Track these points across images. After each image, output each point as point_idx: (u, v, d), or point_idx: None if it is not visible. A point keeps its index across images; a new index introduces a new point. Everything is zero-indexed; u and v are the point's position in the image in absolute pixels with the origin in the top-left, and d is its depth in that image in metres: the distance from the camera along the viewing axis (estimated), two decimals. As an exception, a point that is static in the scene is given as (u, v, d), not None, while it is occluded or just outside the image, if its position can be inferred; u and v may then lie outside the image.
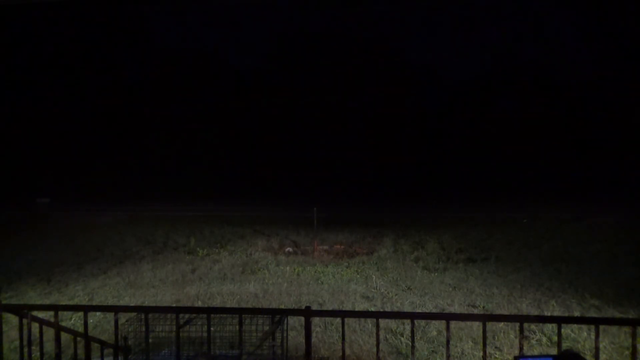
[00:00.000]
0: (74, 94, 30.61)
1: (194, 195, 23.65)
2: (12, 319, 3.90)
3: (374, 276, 7.44)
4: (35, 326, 2.83)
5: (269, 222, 13.64)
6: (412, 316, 2.68)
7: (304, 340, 2.66)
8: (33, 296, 6.67)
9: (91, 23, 31.51)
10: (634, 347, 2.25)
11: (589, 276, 7.27)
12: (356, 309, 5.80)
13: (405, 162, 29.58)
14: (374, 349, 2.85)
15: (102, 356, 3.35)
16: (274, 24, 51.79)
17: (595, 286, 6.67)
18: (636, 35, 29.58)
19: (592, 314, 5.57)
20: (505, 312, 5.65)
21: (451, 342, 4.05)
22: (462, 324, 4.97)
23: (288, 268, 8.08)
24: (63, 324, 4.34)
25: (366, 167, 29.09)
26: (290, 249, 9.90)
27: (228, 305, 5.98)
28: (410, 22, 45.26)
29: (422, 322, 5.06)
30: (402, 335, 4.84)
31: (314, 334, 4.80)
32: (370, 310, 5.79)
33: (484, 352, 2.43)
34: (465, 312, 5.74)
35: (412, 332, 2.59)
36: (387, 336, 4.81)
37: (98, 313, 5.39)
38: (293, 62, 32.14)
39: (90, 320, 4.38)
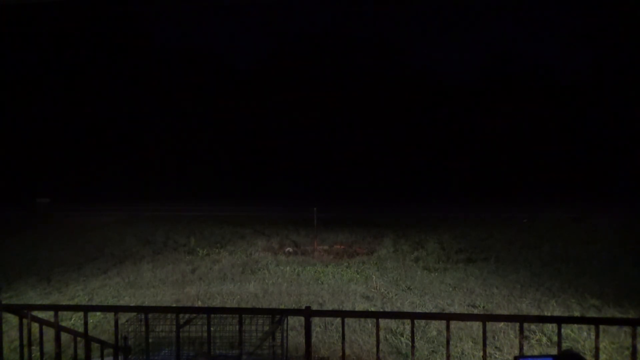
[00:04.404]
0: (74, 94, 30.60)
1: (194, 195, 23.67)
2: (12, 319, 3.90)
3: (374, 276, 7.43)
4: (35, 326, 2.83)
5: (269, 222, 13.64)
6: (412, 316, 2.68)
7: (304, 340, 2.66)
8: (33, 296, 6.67)
9: (91, 22, 31.49)
10: (634, 347, 2.25)
11: (589, 276, 7.27)
12: (356, 309, 5.79)
13: (405, 162, 29.58)
14: (374, 349, 2.85)
15: (102, 356, 3.35)
16: (274, 24, 51.80)
17: (595, 286, 6.66)
18: (636, 35, 29.56)
19: (592, 314, 5.57)
20: (505, 312, 5.65)
21: (451, 342, 4.04)
22: (462, 324, 4.97)
23: (288, 268, 8.08)
24: (63, 324, 4.34)
25: (366, 167, 29.09)
26: (290, 249, 9.90)
27: (228, 305, 5.98)
28: (411, 22, 45.27)
29: (422, 322, 5.06)
30: (402, 335, 4.84)
31: (314, 334, 4.80)
32: (370, 310, 5.79)
33: (484, 352, 2.43)
34: (465, 312, 5.74)
35: (412, 332, 2.59)
36: (387, 336, 4.81)
37: (98, 313, 5.39)
38: (293, 62, 32.12)
39: (90, 320, 4.37)
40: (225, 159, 30.88)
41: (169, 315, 3.21)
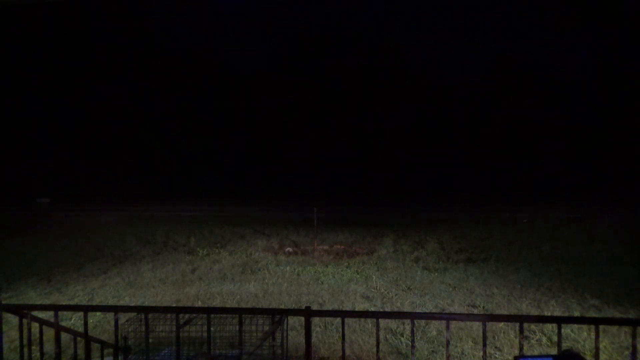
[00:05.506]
0: (74, 94, 30.61)
1: (194, 195, 23.68)
2: (12, 319, 3.90)
3: (374, 276, 7.43)
4: (35, 326, 2.82)
5: (269, 222, 13.64)
6: (412, 316, 2.68)
7: (304, 340, 2.66)
8: (33, 296, 6.67)
9: (93, 22, 31.49)
10: (634, 347, 2.25)
11: (589, 276, 7.27)
12: (356, 309, 5.79)
13: (405, 162, 29.58)
14: (374, 349, 2.85)
15: (102, 356, 3.35)
16: (273, 25, 51.80)
17: (595, 286, 6.66)
18: (636, 35, 29.55)
19: (592, 314, 5.57)
20: (505, 312, 5.65)
21: (451, 342, 4.04)
22: (462, 324, 4.96)
23: (288, 268, 8.08)
24: (63, 324, 4.34)
25: (367, 167, 29.09)
26: (290, 249, 9.90)
27: (228, 305, 5.97)
28: (411, 22, 45.29)
29: (422, 322, 5.06)
30: (402, 335, 4.84)
31: (314, 334, 4.79)
32: (370, 310, 5.78)
33: (484, 352, 2.42)
34: (465, 312, 5.74)
35: (412, 332, 2.59)
36: (387, 336, 4.81)
37: (98, 313, 5.39)
38: (293, 62, 32.14)
39: (90, 320, 4.37)
40: (225, 159, 30.88)
41: (169, 315, 3.21)
